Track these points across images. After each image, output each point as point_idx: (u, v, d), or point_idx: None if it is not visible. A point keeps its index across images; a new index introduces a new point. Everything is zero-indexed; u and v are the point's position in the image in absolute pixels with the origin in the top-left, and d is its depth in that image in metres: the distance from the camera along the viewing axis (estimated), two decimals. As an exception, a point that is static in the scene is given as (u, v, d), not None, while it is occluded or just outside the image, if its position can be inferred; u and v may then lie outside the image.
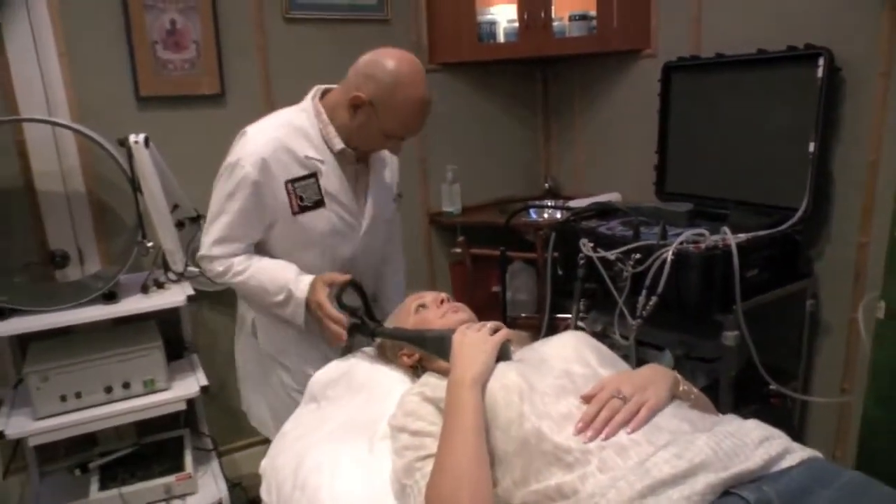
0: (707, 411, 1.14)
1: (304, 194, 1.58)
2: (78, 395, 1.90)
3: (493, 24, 2.72)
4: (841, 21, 1.91)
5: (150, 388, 1.99)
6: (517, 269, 2.86)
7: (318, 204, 1.60)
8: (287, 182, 1.56)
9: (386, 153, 1.74)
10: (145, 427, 2.16)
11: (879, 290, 1.81)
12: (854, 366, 2.04)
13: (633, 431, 0.95)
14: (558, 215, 2.90)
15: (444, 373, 1.25)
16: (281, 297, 1.57)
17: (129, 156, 1.92)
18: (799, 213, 1.95)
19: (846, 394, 2.06)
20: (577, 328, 2.20)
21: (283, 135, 1.57)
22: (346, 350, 1.57)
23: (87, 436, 2.04)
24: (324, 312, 1.50)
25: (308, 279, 1.57)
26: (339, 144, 1.59)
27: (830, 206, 2.03)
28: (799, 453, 0.90)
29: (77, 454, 2.18)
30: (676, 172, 2.39)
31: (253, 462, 2.65)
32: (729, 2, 2.20)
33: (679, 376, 1.12)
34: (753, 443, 0.89)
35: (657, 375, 1.07)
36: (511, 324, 2.08)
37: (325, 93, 1.65)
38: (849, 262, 2.00)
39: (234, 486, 2.29)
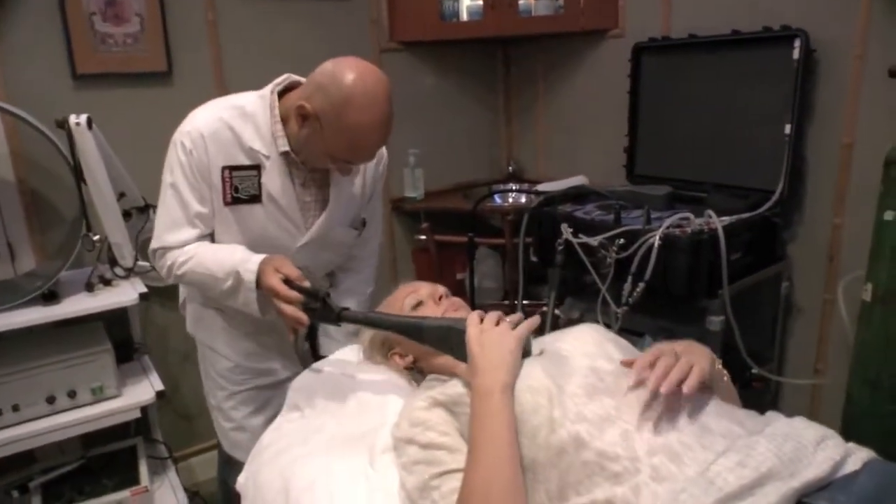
0: (732, 399, 1.09)
1: (241, 185, 1.45)
2: (15, 409, 1.71)
3: (456, 1, 2.61)
4: (816, 2, 1.90)
5: (98, 395, 1.81)
6: (483, 255, 2.79)
7: (254, 199, 1.46)
8: (224, 168, 1.43)
9: None
10: (92, 438, 1.97)
11: (856, 271, 1.83)
12: (827, 346, 2.06)
13: (688, 394, 0.89)
14: (522, 199, 2.85)
15: (446, 373, 1.15)
16: (229, 284, 1.40)
17: (70, 139, 1.72)
18: (776, 196, 1.94)
19: (820, 374, 2.08)
20: (554, 316, 2.15)
21: (230, 117, 1.43)
22: (311, 335, 1.36)
23: (25, 451, 1.83)
24: (277, 295, 1.30)
25: (257, 259, 1.37)
26: (283, 146, 1.43)
27: (804, 188, 2.03)
28: (859, 454, 0.85)
29: (14, 472, 1.96)
30: (647, 155, 2.36)
31: (209, 468, 2.51)
32: (701, -19, 2.16)
33: (714, 356, 1.06)
34: (812, 444, 0.83)
35: (696, 346, 1.03)
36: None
37: (289, 87, 1.47)
38: (822, 244, 2.01)
39: (193, 495, 2.13)
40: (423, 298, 1.26)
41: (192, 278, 1.46)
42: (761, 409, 0.99)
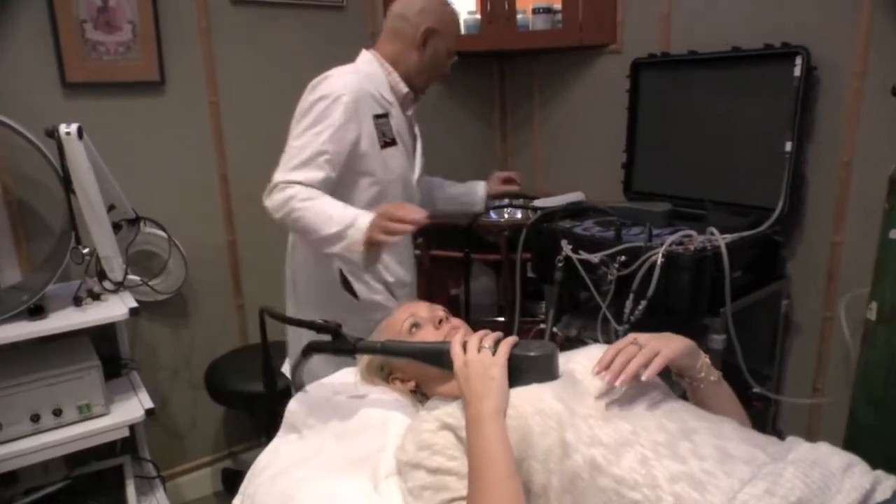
0: (738, 414, 1.07)
1: (384, 131, 1.69)
2: (-2, 427, 1.64)
3: (452, 14, 2.59)
4: (816, 20, 1.90)
5: (85, 413, 1.75)
6: (477, 271, 2.76)
7: (393, 142, 1.72)
8: (374, 116, 1.66)
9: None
10: (77, 457, 1.90)
11: (856, 289, 1.82)
12: (826, 365, 2.04)
13: (648, 378, 0.94)
14: (518, 215, 2.83)
15: (450, 396, 1.11)
16: (338, 229, 1.47)
17: (59, 149, 1.67)
18: (776, 213, 1.92)
19: (819, 392, 2.06)
20: (552, 333, 2.11)
21: (361, 77, 1.67)
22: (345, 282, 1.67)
23: (7, 472, 1.77)
24: (392, 212, 1.43)
25: (367, 217, 1.47)
26: (404, 88, 1.74)
27: (804, 205, 2.02)
28: (887, 482, 0.82)
29: (-5, 492, 1.91)
30: (645, 172, 2.34)
31: (198, 487, 2.46)
32: (700, -1, 2.16)
33: (700, 350, 1.07)
34: (839, 471, 0.81)
35: (676, 337, 1.04)
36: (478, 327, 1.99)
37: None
38: (822, 262, 2.00)
39: (180, 516, 2.07)
40: (421, 321, 1.23)
41: (306, 215, 1.51)
42: (760, 429, 0.99)
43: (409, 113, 1.83)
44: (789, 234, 2.05)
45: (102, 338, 2.00)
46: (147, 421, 1.92)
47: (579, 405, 0.93)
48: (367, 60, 1.74)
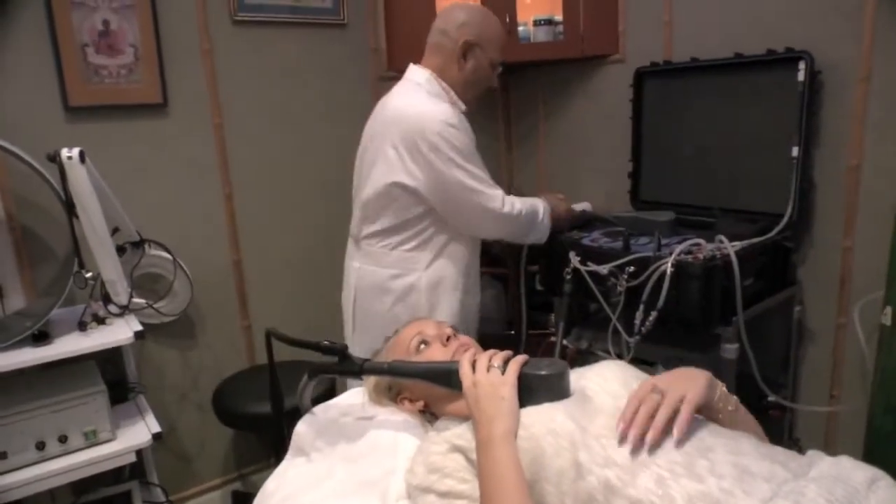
0: (755, 432, 1.04)
1: None
2: (2, 456, 1.63)
3: (453, 28, 2.59)
4: (820, 24, 1.88)
5: (92, 440, 1.74)
6: (485, 284, 2.73)
7: None
8: None
9: None
10: (84, 483, 1.88)
11: (869, 294, 1.79)
12: (841, 371, 2.00)
13: (679, 434, 0.87)
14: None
15: (460, 416, 1.09)
16: (540, 217, 1.88)
17: (62, 173, 1.67)
18: (785, 219, 1.90)
19: (835, 399, 2.02)
20: (562, 346, 2.09)
21: (437, 98, 1.76)
22: None
23: (13, 500, 1.75)
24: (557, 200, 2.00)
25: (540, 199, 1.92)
26: (463, 106, 1.82)
27: (813, 211, 1.99)
28: (914, 497, 0.80)
29: (2, 521, 1.89)
30: (652, 180, 2.32)
31: (207, 510, 2.43)
32: (701, 6, 2.15)
33: (716, 380, 1.01)
34: (863, 487, 0.78)
35: (691, 372, 0.99)
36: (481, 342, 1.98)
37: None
38: (834, 268, 1.97)
39: (190, 541, 2.04)
40: (429, 338, 1.21)
41: (529, 210, 1.84)
42: (777, 438, 0.95)
43: None
44: (799, 240, 2.02)
45: (109, 362, 1.99)
46: (155, 445, 1.90)
47: (591, 424, 0.91)
48: (427, 79, 1.78)
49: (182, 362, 2.32)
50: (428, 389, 1.15)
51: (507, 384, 0.98)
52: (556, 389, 0.99)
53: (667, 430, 0.88)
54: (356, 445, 1.19)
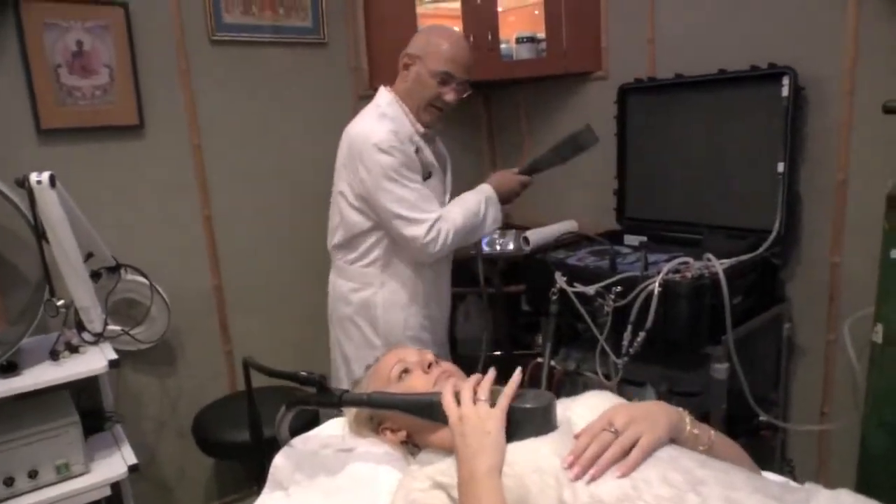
0: (743, 462, 1.00)
1: (422, 163, 1.83)
2: (-31, 493, 1.56)
3: (435, 47, 2.57)
4: (803, 40, 1.88)
5: (64, 474, 1.67)
6: (470, 304, 2.70)
7: (430, 175, 1.87)
8: (413, 151, 1.79)
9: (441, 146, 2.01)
10: (58, 519, 1.81)
11: (858, 310, 1.77)
12: (832, 388, 1.98)
13: (622, 476, 0.84)
14: (510, 246, 2.77)
15: (445, 448, 1.04)
16: (483, 209, 1.87)
17: (31, 198, 1.62)
18: (773, 236, 1.88)
19: (826, 417, 2.00)
20: (550, 367, 2.05)
21: (387, 122, 1.77)
22: None
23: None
24: (518, 178, 1.97)
25: (485, 185, 1.95)
26: (421, 128, 1.83)
27: (800, 226, 1.98)
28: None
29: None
30: (637, 197, 2.30)
31: (188, 544, 2.36)
32: (684, 22, 2.14)
33: (690, 417, 0.98)
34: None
35: (659, 409, 0.95)
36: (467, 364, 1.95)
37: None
38: (822, 284, 1.95)
39: (169, 576, 1.97)
40: (410, 366, 1.17)
41: (466, 225, 1.83)
42: (769, 458, 0.91)
43: (434, 145, 1.94)
44: (787, 256, 2.00)
45: (84, 391, 1.93)
46: (133, 477, 1.84)
47: (577, 459, 0.87)
48: (389, 102, 1.82)
49: (161, 389, 2.26)
50: (410, 419, 1.11)
51: (494, 418, 0.94)
52: (541, 423, 0.95)
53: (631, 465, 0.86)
54: (336, 479, 1.14)
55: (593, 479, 0.84)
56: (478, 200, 1.86)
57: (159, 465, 2.27)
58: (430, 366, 1.17)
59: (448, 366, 1.20)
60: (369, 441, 1.19)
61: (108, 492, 1.72)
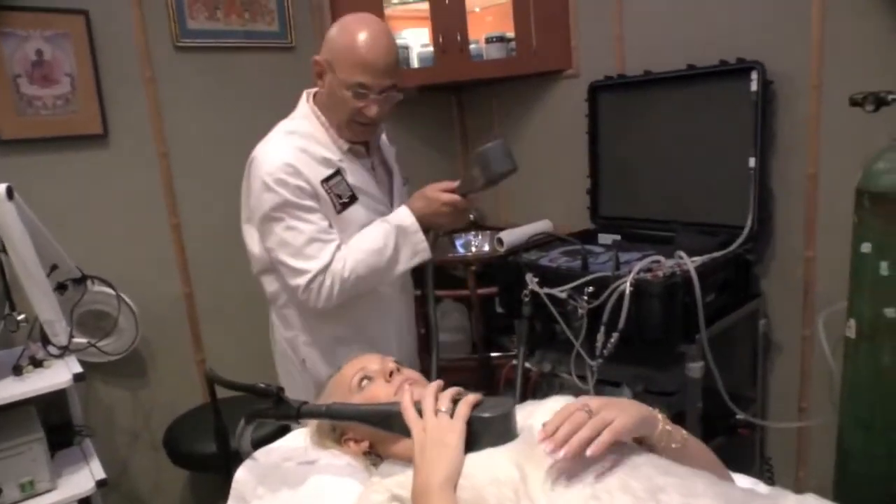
0: (712, 467, 0.98)
1: (339, 191, 1.52)
2: (-70, 514, 1.53)
3: (405, 48, 2.55)
4: (770, 34, 1.87)
5: (28, 491, 1.64)
6: (447, 308, 2.67)
7: (353, 200, 1.54)
8: (321, 182, 1.50)
9: (384, 143, 1.71)
10: (25, 537, 1.77)
11: (833, 305, 1.76)
12: (809, 383, 1.97)
13: (593, 454, 0.82)
14: (485, 248, 2.76)
15: (406, 459, 1.02)
16: (393, 244, 1.50)
17: (-12, 212, 1.58)
18: (746, 232, 1.87)
19: (804, 412, 1.99)
20: (525, 369, 2.03)
21: (295, 141, 1.51)
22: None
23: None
24: (442, 198, 1.49)
25: (404, 208, 1.53)
26: (344, 145, 1.54)
27: (773, 221, 1.97)
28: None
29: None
30: (611, 196, 2.29)
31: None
32: (652, 19, 2.13)
33: (663, 416, 0.96)
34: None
35: (631, 404, 0.93)
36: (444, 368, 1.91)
37: (315, 95, 1.58)
38: (797, 279, 1.94)
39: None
40: (372, 374, 1.14)
41: (360, 269, 1.49)
42: (748, 457, 0.89)
43: (370, 159, 1.63)
44: (761, 252, 2.00)
45: (52, 405, 1.89)
46: (104, 491, 1.81)
47: (537, 469, 0.85)
48: (305, 115, 1.55)
49: (134, 401, 2.22)
50: (371, 430, 1.09)
51: (454, 431, 0.92)
52: (500, 432, 0.93)
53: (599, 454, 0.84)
54: (298, 493, 1.12)
55: (566, 457, 0.83)
56: (383, 234, 1.50)
57: (132, 479, 2.23)
58: (391, 374, 1.15)
59: (410, 373, 1.17)
60: (331, 452, 1.16)
61: (75, 509, 1.68)
